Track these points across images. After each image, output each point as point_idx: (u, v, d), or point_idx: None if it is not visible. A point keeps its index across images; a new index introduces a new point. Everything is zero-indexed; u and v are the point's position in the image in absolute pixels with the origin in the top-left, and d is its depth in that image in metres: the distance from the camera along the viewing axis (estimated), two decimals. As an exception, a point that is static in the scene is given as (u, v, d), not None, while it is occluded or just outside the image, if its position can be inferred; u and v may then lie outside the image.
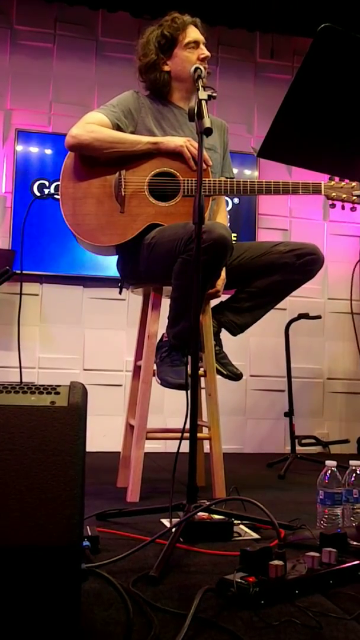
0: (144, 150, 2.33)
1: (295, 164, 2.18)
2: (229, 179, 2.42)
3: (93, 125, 2.32)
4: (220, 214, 2.62)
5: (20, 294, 2.81)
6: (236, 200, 4.10)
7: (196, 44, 2.43)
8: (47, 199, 3.83)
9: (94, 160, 2.35)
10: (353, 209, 2.37)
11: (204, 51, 2.43)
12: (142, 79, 2.51)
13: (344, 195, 2.36)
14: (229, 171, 2.62)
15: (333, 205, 2.37)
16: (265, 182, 2.34)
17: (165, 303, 2.37)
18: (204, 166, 2.32)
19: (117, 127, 2.37)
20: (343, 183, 2.36)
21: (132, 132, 2.39)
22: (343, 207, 2.38)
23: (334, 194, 2.35)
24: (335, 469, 1.79)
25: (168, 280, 2.28)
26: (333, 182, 2.36)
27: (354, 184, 2.36)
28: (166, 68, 2.46)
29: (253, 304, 2.47)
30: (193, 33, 2.44)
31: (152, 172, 2.34)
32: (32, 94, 3.97)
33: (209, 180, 2.32)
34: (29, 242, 3.73)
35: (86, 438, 1.04)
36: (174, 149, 2.33)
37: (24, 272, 3.31)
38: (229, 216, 2.70)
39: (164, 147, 2.33)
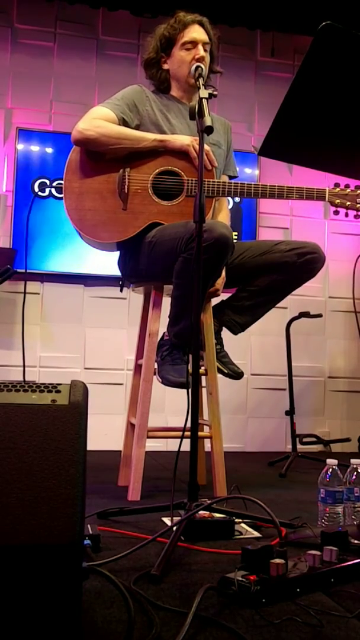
0: (149, 147, 2.33)
1: (296, 162, 2.17)
2: (232, 181, 2.41)
3: (99, 121, 2.32)
4: (222, 213, 2.62)
5: (25, 292, 2.80)
6: (237, 199, 4.09)
7: (193, 44, 2.41)
8: (47, 198, 3.83)
9: (99, 156, 2.34)
10: (357, 217, 2.33)
11: (199, 52, 2.41)
12: (146, 75, 2.55)
13: (349, 202, 2.33)
14: (232, 170, 2.62)
15: (337, 212, 2.34)
16: (270, 186, 2.33)
17: (166, 302, 2.37)
18: (209, 167, 2.32)
19: (123, 122, 2.36)
20: (348, 190, 2.34)
21: (138, 126, 2.39)
22: (347, 215, 2.34)
23: (337, 200, 2.33)
24: (336, 468, 1.79)
25: (169, 279, 2.28)
26: (338, 189, 2.33)
27: (358, 191, 2.34)
28: (165, 66, 2.49)
29: (254, 302, 2.47)
30: (193, 33, 2.42)
31: (157, 171, 2.34)
32: (33, 93, 3.97)
33: (212, 182, 2.31)
34: (29, 240, 3.72)
35: (87, 436, 1.04)
36: (180, 148, 2.32)
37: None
38: (230, 215, 2.70)
39: (170, 145, 2.33)
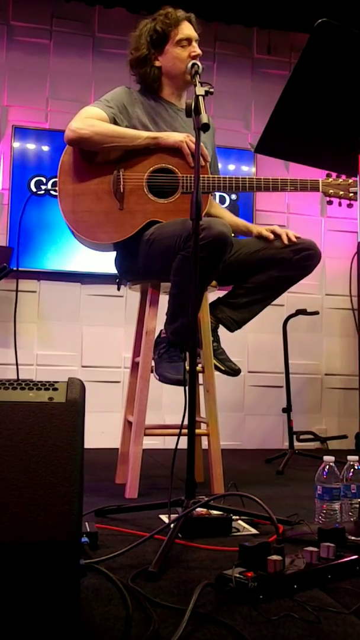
0: (143, 145, 2.32)
1: (292, 159, 2.18)
2: (227, 176, 2.41)
3: (93, 120, 2.31)
4: (221, 209, 2.62)
5: (17, 290, 2.80)
6: (234, 196, 4.09)
7: (188, 41, 2.41)
8: (44, 196, 3.82)
9: (92, 157, 2.34)
10: (350, 206, 2.37)
11: (195, 49, 2.40)
12: (133, 73, 2.50)
13: (341, 192, 2.36)
14: (215, 171, 2.61)
15: (330, 202, 2.38)
16: (264, 179, 2.34)
17: (163, 299, 2.37)
18: (202, 162, 2.32)
19: (114, 122, 2.36)
20: (340, 180, 2.36)
21: (127, 127, 2.38)
22: (340, 204, 2.38)
23: (331, 190, 2.36)
24: (333, 465, 1.79)
25: (166, 277, 2.27)
26: (330, 179, 2.36)
27: (350, 180, 2.36)
28: (157, 63, 2.44)
29: (250, 299, 2.47)
30: (186, 30, 2.41)
31: (151, 169, 2.34)
32: (29, 91, 3.96)
33: (207, 177, 2.31)
34: (26, 238, 3.72)
35: (84, 434, 1.04)
36: (174, 145, 2.32)
37: (21, 269, 3.30)
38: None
39: (163, 142, 2.33)
